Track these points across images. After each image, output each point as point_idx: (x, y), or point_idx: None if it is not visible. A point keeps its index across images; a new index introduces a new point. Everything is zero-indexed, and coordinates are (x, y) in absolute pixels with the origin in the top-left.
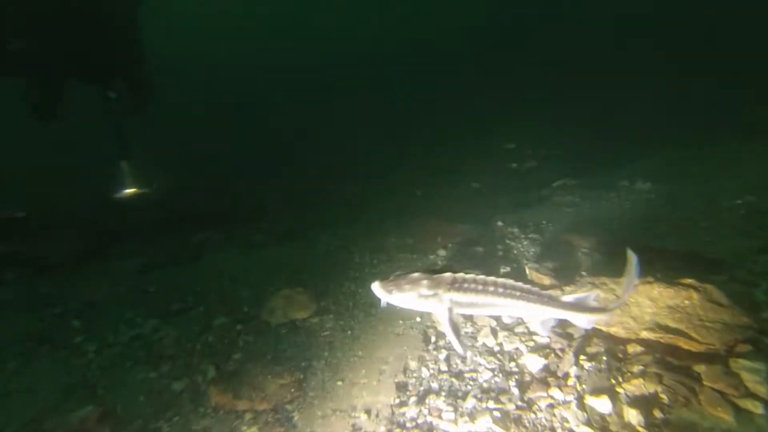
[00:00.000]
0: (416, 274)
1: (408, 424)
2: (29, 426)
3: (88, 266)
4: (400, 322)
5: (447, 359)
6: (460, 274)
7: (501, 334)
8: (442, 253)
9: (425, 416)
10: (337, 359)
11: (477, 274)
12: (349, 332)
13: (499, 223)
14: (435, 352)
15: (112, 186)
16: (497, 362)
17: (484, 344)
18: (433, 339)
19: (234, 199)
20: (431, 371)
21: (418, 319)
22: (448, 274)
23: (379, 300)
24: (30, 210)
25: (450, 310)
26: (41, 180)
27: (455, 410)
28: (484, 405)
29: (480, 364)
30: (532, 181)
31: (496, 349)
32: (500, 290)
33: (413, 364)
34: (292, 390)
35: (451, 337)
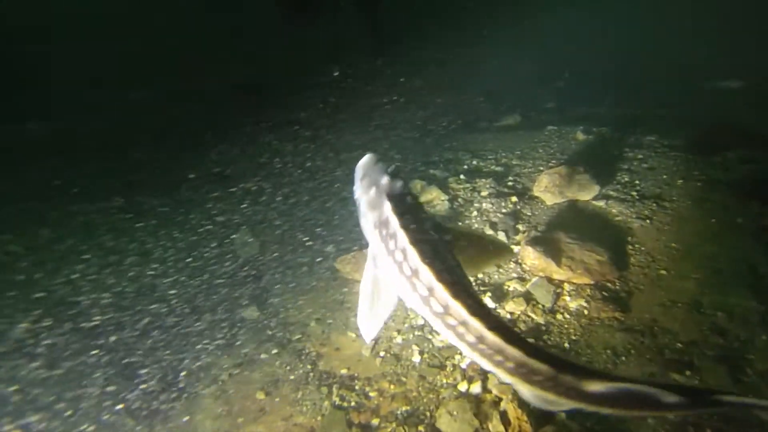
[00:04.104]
0: None
1: None
2: None
3: None
4: (712, 220)
5: None
6: None
7: None
8: (729, 156)
9: None
10: (646, 247)
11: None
12: (648, 222)
13: None
14: None
15: None
16: None
17: None
18: None
19: None
20: None
21: (739, 220)
22: None
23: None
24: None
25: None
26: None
27: None
28: None
29: None
30: None
31: None
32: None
33: (762, 270)
34: (611, 268)
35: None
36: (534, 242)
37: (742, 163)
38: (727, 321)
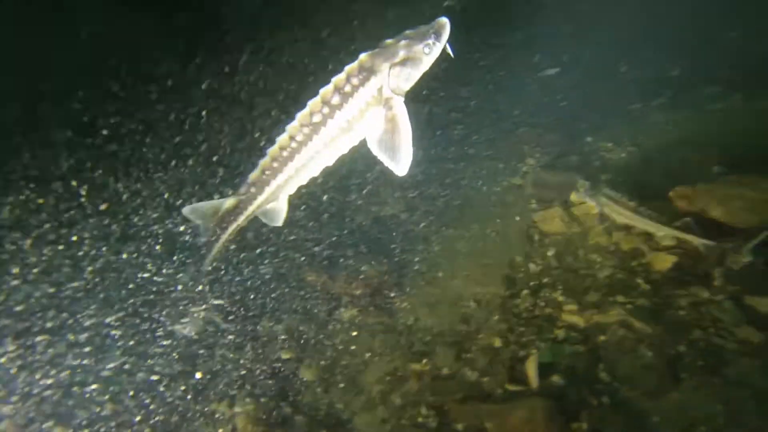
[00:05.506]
0: None
1: (524, 315)
2: None
3: None
4: (498, 221)
5: (556, 256)
6: None
7: (616, 234)
8: (530, 161)
9: (542, 308)
10: (433, 253)
11: None
12: (443, 229)
13: (588, 139)
14: (541, 249)
15: None
16: (616, 260)
17: (597, 243)
18: (536, 237)
19: None
20: (540, 266)
21: (517, 218)
22: None
23: None
24: None
25: None
26: None
27: (578, 303)
28: (611, 298)
29: (596, 262)
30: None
31: (612, 248)
32: None
33: (519, 260)
34: (390, 277)
35: None
36: (313, 259)
37: (534, 168)
38: (474, 309)
